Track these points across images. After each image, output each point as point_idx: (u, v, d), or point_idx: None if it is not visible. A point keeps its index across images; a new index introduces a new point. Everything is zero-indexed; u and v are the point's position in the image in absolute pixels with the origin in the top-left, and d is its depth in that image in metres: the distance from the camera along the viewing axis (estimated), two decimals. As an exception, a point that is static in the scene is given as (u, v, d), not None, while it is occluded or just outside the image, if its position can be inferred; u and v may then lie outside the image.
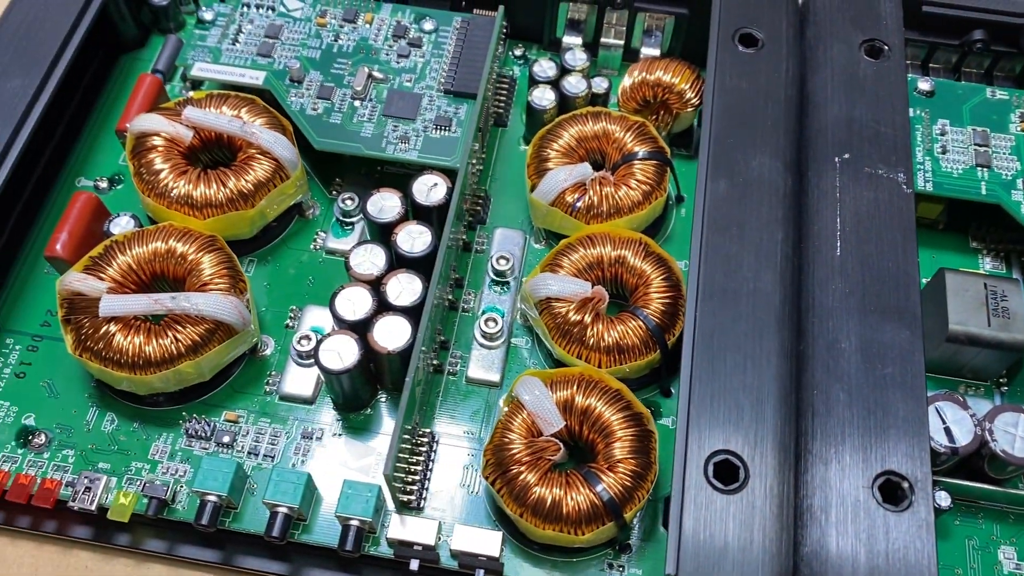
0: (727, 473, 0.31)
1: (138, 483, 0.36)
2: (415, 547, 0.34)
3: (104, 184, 0.43)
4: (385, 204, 0.39)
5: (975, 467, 0.35)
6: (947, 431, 0.34)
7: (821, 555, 0.30)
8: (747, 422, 0.32)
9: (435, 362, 0.38)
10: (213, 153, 0.41)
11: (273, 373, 0.38)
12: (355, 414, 0.37)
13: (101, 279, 0.36)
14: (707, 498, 0.31)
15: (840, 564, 0.30)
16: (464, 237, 0.41)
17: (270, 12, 0.44)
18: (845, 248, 0.35)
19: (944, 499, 0.34)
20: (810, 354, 0.33)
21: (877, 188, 0.37)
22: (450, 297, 0.40)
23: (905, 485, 0.31)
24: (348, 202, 0.41)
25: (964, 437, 0.33)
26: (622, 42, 0.46)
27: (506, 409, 0.35)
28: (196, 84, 0.45)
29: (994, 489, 0.35)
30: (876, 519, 0.30)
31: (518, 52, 0.47)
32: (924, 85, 0.42)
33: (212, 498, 0.34)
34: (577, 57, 0.44)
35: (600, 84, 0.44)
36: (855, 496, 0.31)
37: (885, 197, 0.36)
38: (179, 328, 0.35)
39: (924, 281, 0.39)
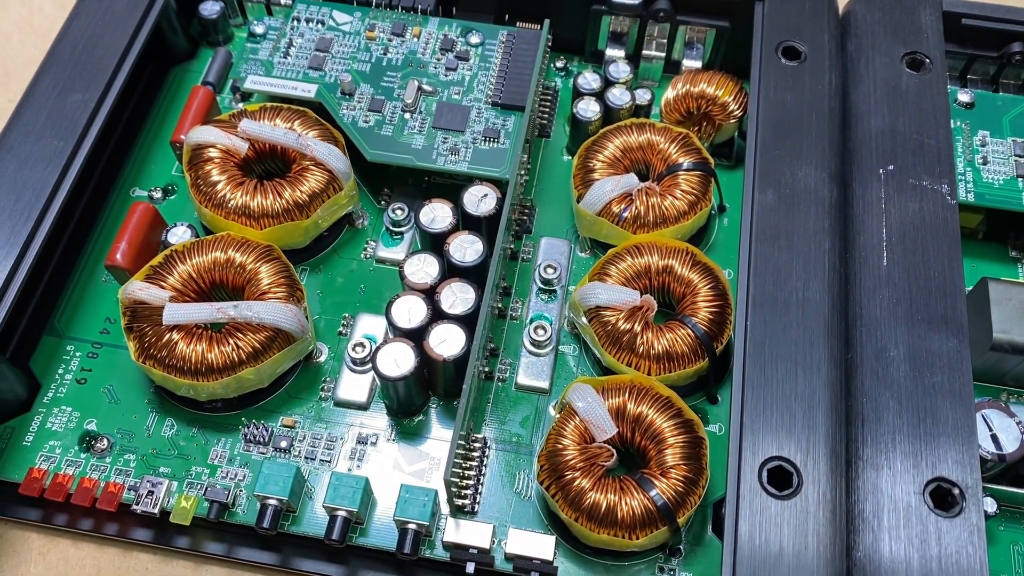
0: (781, 479, 0.32)
1: (199, 487, 0.37)
2: (470, 550, 0.35)
3: (158, 194, 0.44)
4: (437, 215, 0.40)
5: (1020, 473, 0.35)
6: (994, 438, 0.34)
7: (875, 560, 0.31)
8: (799, 429, 0.32)
9: (486, 369, 0.39)
10: (267, 164, 0.42)
11: (328, 379, 0.39)
12: (408, 420, 0.38)
13: (163, 288, 0.37)
14: (761, 504, 0.31)
15: (893, 569, 0.30)
16: (511, 246, 0.42)
17: (320, 26, 0.45)
18: (891, 258, 0.36)
19: (991, 505, 0.35)
20: (859, 362, 0.34)
21: (922, 199, 0.37)
22: (499, 305, 0.41)
23: (956, 491, 0.31)
24: (398, 212, 0.42)
25: (1011, 444, 0.34)
26: (663, 54, 0.46)
27: (558, 416, 0.36)
28: (246, 96, 0.46)
29: (1041, 496, 0.35)
30: (928, 525, 0.31)
31: (560, 64, 0.48)
32: (964, 97, 0.43)
33: (272, 502, 0.35)
34: (620, 69, 0.45)
35: (643, 96, 0.44)
36: (907, 502, 0.31)
37: (930, 208, 0.37)
38: (240, 336, 0.36)
39: (968, 289, 0.40)
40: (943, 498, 0.31)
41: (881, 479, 0.32)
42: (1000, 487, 0.35)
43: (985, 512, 0.35)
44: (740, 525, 0.31)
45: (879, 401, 0.33)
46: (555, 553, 0.35)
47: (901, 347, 0.34)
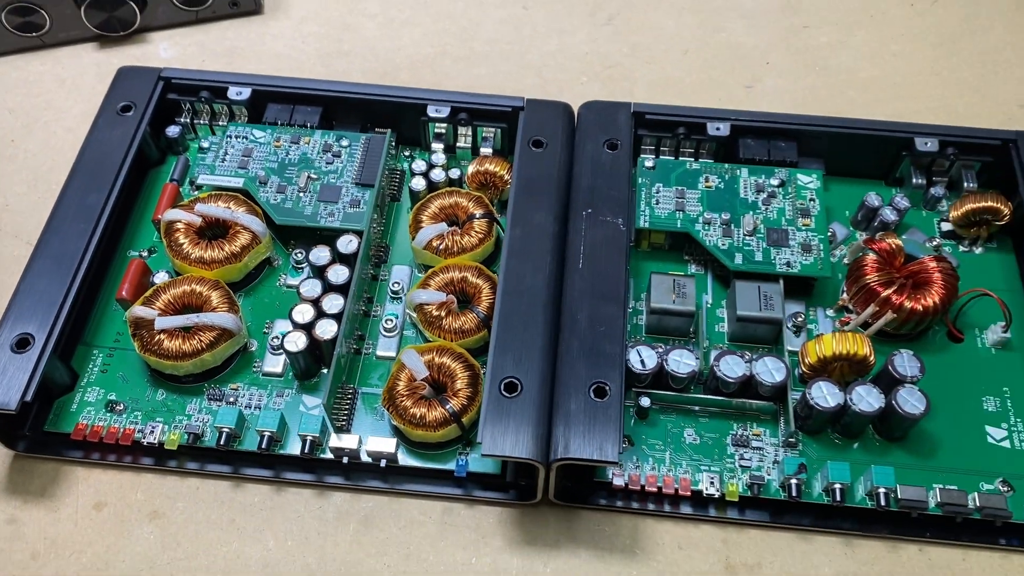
0: (511, 387, 0.56)
1: (181, 427, 0.60)
2: (345, 450, 0.59)
3: (145, 253, 0.68)
4: (320, 254, 0.64)
5: (665, 382, 0.60)
6: (642, 361, 0.59)
7: (562, 426, 0.55)
8: (524, 359, 0.57)
9: (355, 347, 0.63)
10: (214, 230, 0.65)
11: (258, 361, 0.62)
12: (308, 380, 0.62)
13: (153, 308, 0.61)
14: (502, 402, 0.55)
15: (570, 429, 0.54)
16: (373, 271, 0.66)
17: (245, 140, 0.69)
18: (584, 263, 0.61)
19: (646, 401, 0.59)
20: (562, 323, 0.59)
21: (605, 228, 0.62)
22: (364, 308, 0.65)
23: (606, 387, 0.56)
24: (298, 255, 0.66)
25: (651, 364, 0.59)
26: (470, 144, 0.72)
27: (395, 368, 0.60)
28: (198, 187, 0.70)
29: (676, 394, 0.60)
30: (590, 406, 0.55)
31: (407, 153, 0.73)
32: (649, 163, 0.68)
33: (226, 430, 0.58)
34: (439, 157, 0.70)
35: (455, 173, 0.69)
36: (580, 394, 0.56)
37: (610, 233, 0.62)
38: (202, 334, 0.60)
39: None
40: (599, 391, 0.56)
41: (569, 384, 0.56)
42: (651, 390, 0.60)
43: (645, 406, 0.59)
44: (489, 415, 0.55)
45: (570, 343, 0.57)
46: (396, 448, 0.58)
47: (585, 313, 0.59)
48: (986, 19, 0.86)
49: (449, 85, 0.79)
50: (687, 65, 0.83)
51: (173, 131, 0.71)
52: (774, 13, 0.87)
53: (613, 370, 0.56)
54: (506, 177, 0.68)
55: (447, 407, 0.57)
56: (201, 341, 0.59)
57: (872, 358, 0.58)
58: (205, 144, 0.70)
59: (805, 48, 0.84)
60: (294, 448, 0.59)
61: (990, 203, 0.66)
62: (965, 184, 0.68)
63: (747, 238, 0.64)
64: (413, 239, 0.65)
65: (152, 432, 0.59)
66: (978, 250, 0.68)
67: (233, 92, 0.70)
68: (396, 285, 0.65)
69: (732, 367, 0.58)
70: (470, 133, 0.71)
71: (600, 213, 0.63)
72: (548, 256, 0.61)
